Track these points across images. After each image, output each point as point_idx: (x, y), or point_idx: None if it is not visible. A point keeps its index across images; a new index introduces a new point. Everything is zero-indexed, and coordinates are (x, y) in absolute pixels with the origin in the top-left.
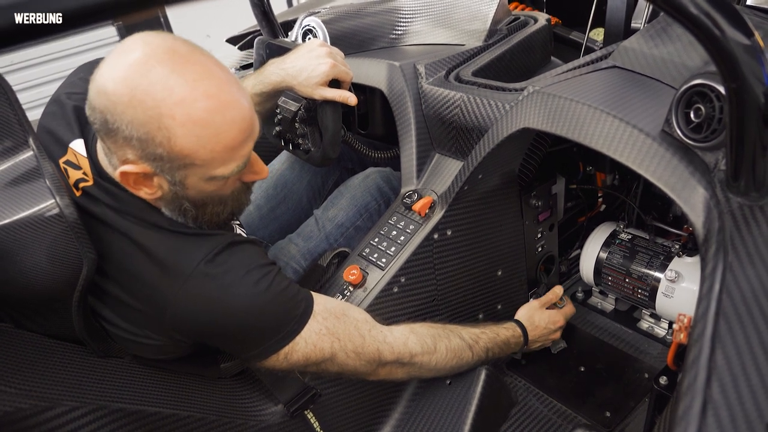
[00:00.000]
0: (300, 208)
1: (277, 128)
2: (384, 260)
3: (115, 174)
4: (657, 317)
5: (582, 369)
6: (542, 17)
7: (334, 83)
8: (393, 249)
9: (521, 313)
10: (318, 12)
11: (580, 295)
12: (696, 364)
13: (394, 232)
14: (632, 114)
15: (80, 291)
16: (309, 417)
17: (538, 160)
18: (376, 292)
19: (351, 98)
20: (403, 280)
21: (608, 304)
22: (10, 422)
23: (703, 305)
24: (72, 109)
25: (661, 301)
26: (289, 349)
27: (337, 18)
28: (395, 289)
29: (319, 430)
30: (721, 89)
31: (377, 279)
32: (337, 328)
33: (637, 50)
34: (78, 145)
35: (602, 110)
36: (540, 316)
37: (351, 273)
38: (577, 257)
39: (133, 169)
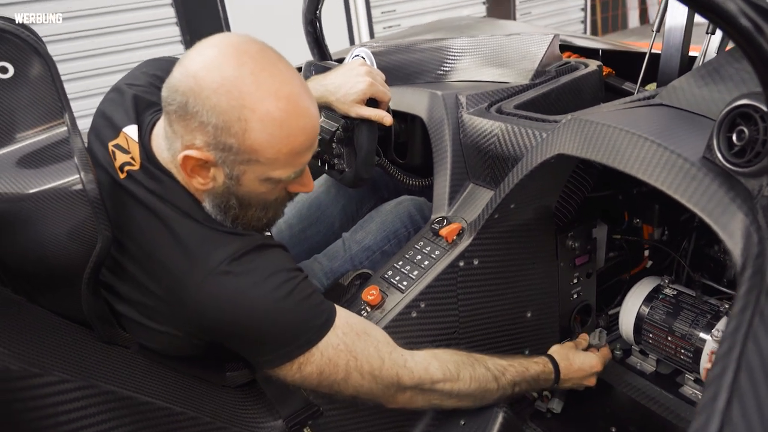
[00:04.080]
0: (331, 232)
1: (316, 149)
2: (405, 283)
3: (178, 158)
4: (702, 383)
5: (613, 430)
6: (594, 63)
7: (373, 103)
8: (416, 273)
9: (555, 349)
10: (370, 44)
11: (618, 353)
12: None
13: (419, 257)
14: (672, 142)
15: (92, 267)
16: None
17: (578, 200)
18: (393, 315)
19: (386, 118)
20: (422, 305)
21: (649, 366)
22: None
23: (732, 324)
24: (131, 97)
25: (706, 365)
26: (304, 359)
27: (388, 51)
28: (413, 314)
29: None
30: (766, 108)
31: (396, 301)
32: (356, 346)
33: (686, 89)
34: (131, 130)
35: (639, 135)
36: (575, 356)
37: (370, 293)
38: (618, 314)
39: (196, 154)
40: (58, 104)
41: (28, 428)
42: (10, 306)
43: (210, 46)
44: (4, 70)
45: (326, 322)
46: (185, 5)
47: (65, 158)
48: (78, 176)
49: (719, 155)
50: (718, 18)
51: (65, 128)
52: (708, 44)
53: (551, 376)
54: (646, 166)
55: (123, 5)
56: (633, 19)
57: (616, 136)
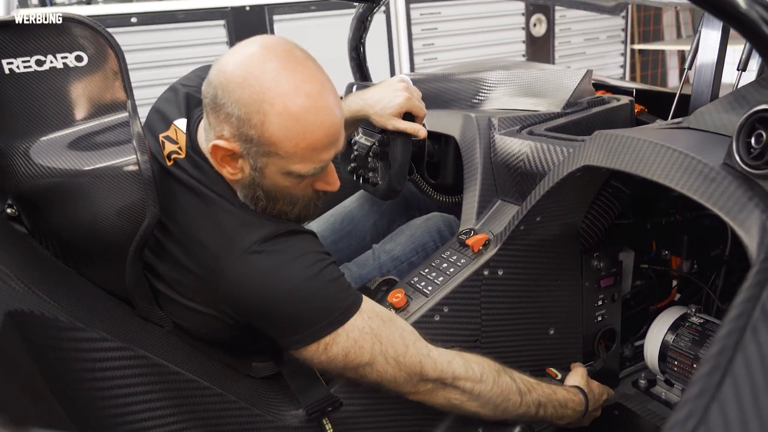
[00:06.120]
0: (362, 245)
1: (352, 164)
2: (430, 288)
3: (208, 147)
4: None
5: None
6: (625, 98)
7: (409, 118)
8: (441, 279)
9: (576, 380)
10: (412, 74)
11: (643, 382)
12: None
13: (445, 264)
14: (695, 151)
15: (138, 241)
16: (327, 428)
17: (605, 224)
18: (416, 317)
19: (421, 131)
20: (445, 310)
21: (674, 396)
22: (45, 326)
23: (742, 296)
24: (184, 95)
25: None
26: (330, 339)
27: (426, 80)
28: (436, 318)
29: None
30: None
31: (420, 305)
32: (381, 331)
33: (713, 114)
34: (181, 123)
35: (663, 145)
36: (591, 383)
37: (395, 296)
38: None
39: (224, 144)
40: (123, 92)
41: (67, 378)
42: (61, 273)
43: (244, 45)
44: (80, 59)
45: (353, 305)
46: (236, 26)
47: (124, 141)
48: (134, 157)
49: (738, 159)
50: (726, 15)
51: (126, 114)
52: (739, 81)
53: (581, 407)
54: (668, 171)
55: (181, 25)
56: (673, 78)
57: (640, 147)
